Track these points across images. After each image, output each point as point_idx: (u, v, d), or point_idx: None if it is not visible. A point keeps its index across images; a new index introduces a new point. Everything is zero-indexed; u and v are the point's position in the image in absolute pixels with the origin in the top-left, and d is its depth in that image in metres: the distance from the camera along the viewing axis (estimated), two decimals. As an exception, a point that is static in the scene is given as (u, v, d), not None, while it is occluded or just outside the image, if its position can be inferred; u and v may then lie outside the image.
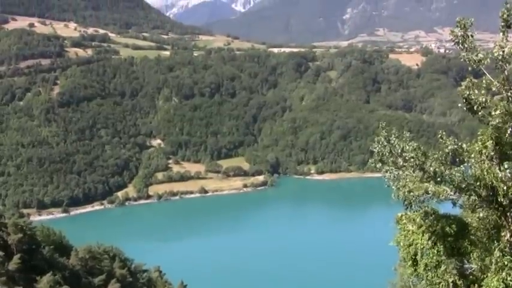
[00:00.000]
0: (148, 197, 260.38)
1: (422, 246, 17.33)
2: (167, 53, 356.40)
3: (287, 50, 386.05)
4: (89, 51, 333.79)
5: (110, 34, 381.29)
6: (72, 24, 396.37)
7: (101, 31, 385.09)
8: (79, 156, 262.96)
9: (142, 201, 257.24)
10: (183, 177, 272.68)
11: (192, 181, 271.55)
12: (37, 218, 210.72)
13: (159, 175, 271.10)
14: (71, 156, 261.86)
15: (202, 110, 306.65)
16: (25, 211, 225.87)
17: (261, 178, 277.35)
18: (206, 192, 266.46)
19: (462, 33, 17.04)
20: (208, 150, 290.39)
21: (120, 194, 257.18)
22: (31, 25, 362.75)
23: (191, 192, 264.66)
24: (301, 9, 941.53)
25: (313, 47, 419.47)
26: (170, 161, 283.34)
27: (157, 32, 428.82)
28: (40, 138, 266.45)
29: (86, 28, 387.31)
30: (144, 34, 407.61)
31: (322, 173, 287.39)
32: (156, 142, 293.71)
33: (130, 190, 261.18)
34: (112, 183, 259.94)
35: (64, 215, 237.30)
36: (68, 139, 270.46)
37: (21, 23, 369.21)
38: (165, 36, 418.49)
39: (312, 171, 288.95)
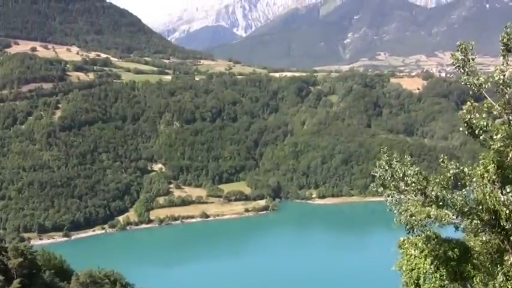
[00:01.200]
0: (150, 221, 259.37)
1: (424, 271, 17.24)
2: (169, 77, 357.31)
3: (288, 74, 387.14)
4: (91, 76, 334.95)
5: (111, 58, 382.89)
6: (75, 49, 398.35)
7: (103, 55, 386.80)
8: (80, 181, 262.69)
9: (143, 226, 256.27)
10: (185, 202, 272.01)
11: (193, 206, 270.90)
12: (38, 242, 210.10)
13: (161, 199, 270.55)
14: (72, 180, 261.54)
15: (204, 134, 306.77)
16: (26, 235, 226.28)
17: (262, 202, 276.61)
18: (207, 216, 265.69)
19: (463, 57, 17.11)
20: (209, 174, 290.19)
21: (121, 218, 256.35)
22: (33, 49, 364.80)
23: (192, 217, 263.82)
24: (302, 34, 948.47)
25: (314, 71, 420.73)
26: (171, 186, 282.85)
27: (159, 57, 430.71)
28: (41, 162, 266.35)
29: (88, 52, 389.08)
30: (146, 58, 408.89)
31: (323, 197, 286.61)
32: (158, 166, 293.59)
33: (132, 214, 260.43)
34: (113, 208, 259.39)
35: (65, 239, 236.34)
36: (69, 163, 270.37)
37: (23, 47, 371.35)
38: (167, 61, 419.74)
39: (314, 196, 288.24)
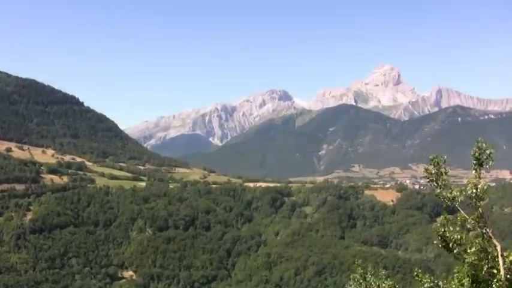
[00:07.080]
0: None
1: None
2: (143, 183, 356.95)
3: (263, 184, 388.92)
4: (65, 179, 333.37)
5: (86, 162, 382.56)
6: (50, 151, 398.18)
7: (78, 159, 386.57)
8: (48, 285, 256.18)
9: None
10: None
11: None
12: None
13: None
14: (40, 284, 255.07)
15: (176, 242, 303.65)
16: None
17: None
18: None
19: (436, 170, 17.31)
20: (180, 283, 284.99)
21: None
22: (8, 149, 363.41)
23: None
24: (277, 144, 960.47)
25: (289, 182, 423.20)
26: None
27: (134, 163, 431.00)
28: (8, 264, 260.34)
29: (63, 155, 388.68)
30: (121, 164, 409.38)
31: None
32: (128, 274, 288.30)
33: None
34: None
35: None
36: (37, 267, 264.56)
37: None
38: (142, 167, 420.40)
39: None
